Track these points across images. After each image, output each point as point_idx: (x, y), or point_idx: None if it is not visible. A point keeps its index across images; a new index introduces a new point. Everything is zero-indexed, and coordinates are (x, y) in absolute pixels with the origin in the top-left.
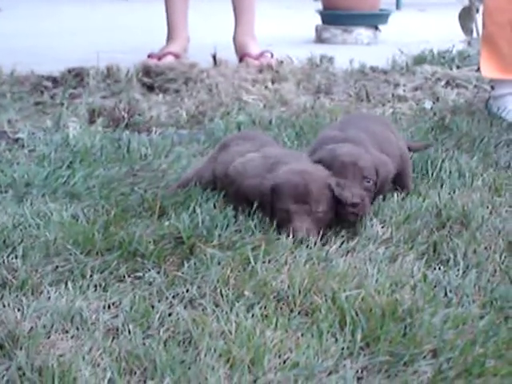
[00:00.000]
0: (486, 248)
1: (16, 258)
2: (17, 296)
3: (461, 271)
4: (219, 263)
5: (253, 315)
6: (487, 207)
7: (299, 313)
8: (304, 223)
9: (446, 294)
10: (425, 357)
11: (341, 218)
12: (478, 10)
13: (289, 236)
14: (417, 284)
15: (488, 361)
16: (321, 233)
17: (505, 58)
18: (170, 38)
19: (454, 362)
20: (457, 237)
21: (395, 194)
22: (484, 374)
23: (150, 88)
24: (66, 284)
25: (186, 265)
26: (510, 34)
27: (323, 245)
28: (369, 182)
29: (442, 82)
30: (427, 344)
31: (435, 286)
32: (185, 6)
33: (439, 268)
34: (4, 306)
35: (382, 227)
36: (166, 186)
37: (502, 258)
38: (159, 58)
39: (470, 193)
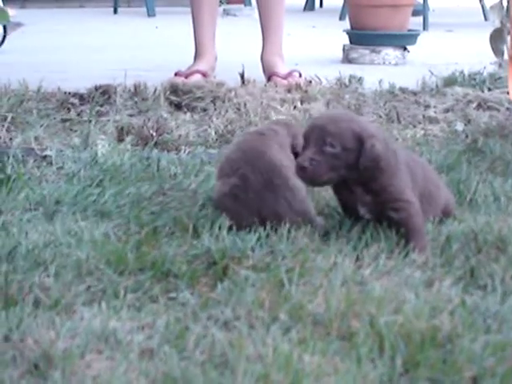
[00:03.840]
0: None
1: (48, 276)
2: (50, 316)
3: (499, 297)
4: (253, 285)
5: (289, 339)
6: None
7: (336, 337)
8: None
9: (484, 320)
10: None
11: None
12: (509, 32)
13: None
14: (455, 309)
15: None
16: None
17: None
18: (197, 56)
19: None
20: (494, 262)
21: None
22: None
23: (178, 106)
24: (100, 304)
25: (219, 286)
26: None
27: (358, 267)
28: (334, 147)
29: (474, 104)
30: (468, 371)
31: (473, 312)
32: (213, 25)
33: (477, 293)
34: (37, 325)
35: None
36: (196, 206)
37: None
38: (186, 76)
39: (506, 217)
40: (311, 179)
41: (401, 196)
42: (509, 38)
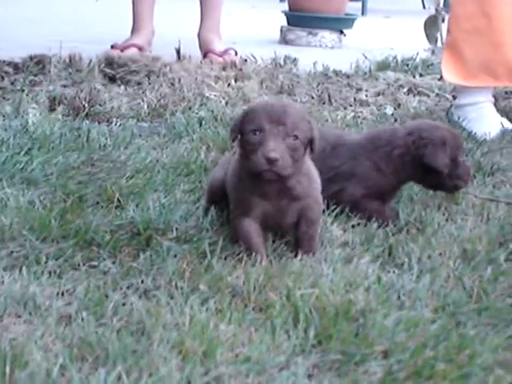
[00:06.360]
0: (440, 254)
1: None
2: None
3: (415, 275)
4: (175, 256)
5: (207, 309)
6: (443, 214)
7: (253, 308)
8: (279, 145)
9: (399, 297)
10: (376, 357)
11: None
12: (443, 20)
13: (260, 159)
14: (371, 286)
15: (438, 364)
16: (291, 167)
17: (467, 64)
18: (134, 30)
19: (405, 364)
20: (412, 241)
21: None
22: (433, 376)
23: (112, 79)
24: (21, 269)
25: (141, 256)
26: (474, 41)
27: (280, 243)
28: None
29: (405, 89)
30: (379, 345)
31: (389, 289)
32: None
33: (394, 271)
34: None
35: (344, 231)
36: (123, 177)
37: (456, 264)
38: (122, 50)
39: (428, 199)
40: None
41: None
42: (443, 25)
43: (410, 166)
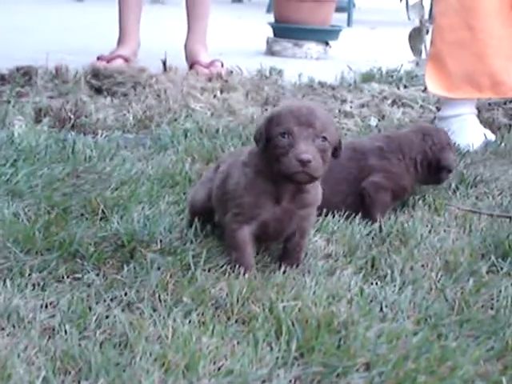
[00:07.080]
0: (423, 266)
1: None
2: None
3: (397, 287)
4: (159, 268)
5: (190, 321)
6: (426, 226)
7: (236, 321)
8: (309, 147)
9: (381, 309)
10: (358, 369)
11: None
12: (427, 31)
13: (292, 161)
14: (353, 298)
15: (419, 376)
16: (323, 168)
17: (451, 76)
18: (120, 41)
19: (386, 376)
20: (395, 253)
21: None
22: None
23: (98, 90)
24: (4, 282)
25: (125, 268)
26: (458, 53)
27: (263, 255)
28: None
29: (389, 101)
30: (361, 357)
31: (371, 301)
32: (138, 11)
33: (376, 283)
34: None
35: (327, 242)
36: (108, 189)
37: (438, 276)
38: (108, 61)
39: (411, 211)
40: None
41: None
42: (427, 36)
43: (426, 169)
